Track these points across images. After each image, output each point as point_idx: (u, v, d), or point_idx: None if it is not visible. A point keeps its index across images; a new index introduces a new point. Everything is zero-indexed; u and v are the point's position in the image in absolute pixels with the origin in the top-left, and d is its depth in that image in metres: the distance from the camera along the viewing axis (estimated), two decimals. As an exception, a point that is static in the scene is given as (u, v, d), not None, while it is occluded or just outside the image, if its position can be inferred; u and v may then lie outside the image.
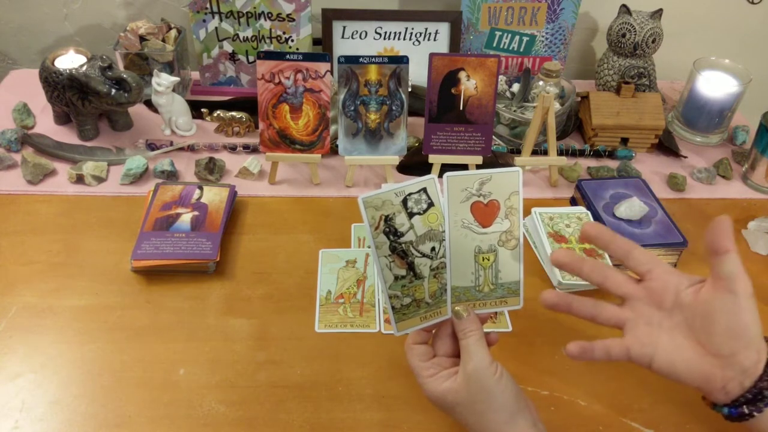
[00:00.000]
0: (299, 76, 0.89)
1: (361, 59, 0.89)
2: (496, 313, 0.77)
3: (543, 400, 0.68)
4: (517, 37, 1.16)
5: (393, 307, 0.60)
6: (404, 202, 0.58)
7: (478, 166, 0.94)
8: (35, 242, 0.83)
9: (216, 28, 1.10)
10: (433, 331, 0.62)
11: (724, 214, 0.57)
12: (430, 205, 0.59)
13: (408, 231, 0.58)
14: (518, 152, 1.00)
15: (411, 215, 0.58)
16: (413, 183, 0.58)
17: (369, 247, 0.57)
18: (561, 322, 0.77)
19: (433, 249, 0.59)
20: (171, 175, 0.95)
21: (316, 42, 1.14)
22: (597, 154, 1.05)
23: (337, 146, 0.95)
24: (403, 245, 0.58)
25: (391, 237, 0.58)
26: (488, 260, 0.61)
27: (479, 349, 0.56)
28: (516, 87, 1.12)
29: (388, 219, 0.58)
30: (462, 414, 0.56)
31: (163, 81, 0.99)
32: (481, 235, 0.60)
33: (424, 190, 0.58)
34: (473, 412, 0.55)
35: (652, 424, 0.66)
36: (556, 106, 1.02)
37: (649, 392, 0.69)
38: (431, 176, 0.59)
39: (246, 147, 1.01)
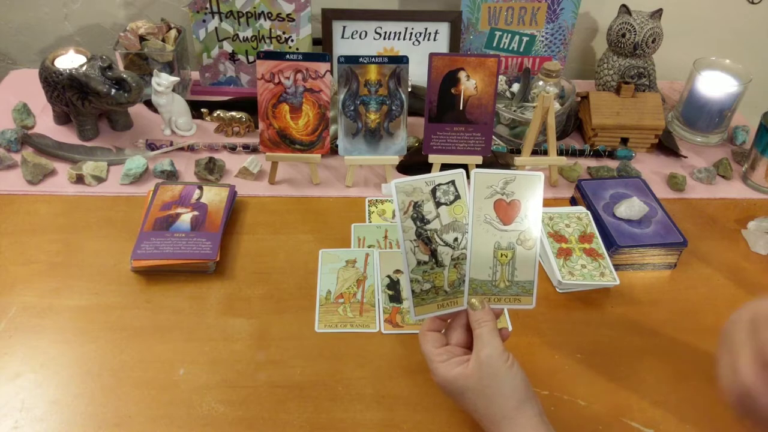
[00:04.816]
0: (299, 76, 0.89)
1: (361, 59, 0.89)
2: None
3: (543, 400, 0.68)
4: (517, 37, 1.16)
5: (413, 291, 0.62)
6: (433, 191, 0.62)
7: (478, 167, 0.94)
8: (35, 242, 0.83)
9: (216, 28, 1.10)
10: (448, 321, 0.64)
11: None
12: (457, 197, 0.62)
13: (434, 219, 0.62)
14: (518, 152, 1.00)
15: (438, 205, 0.62)
16: (443, 174, 0.62)
17: (396, 226, 0.63)
18: (561, 321, 0.77)
19: (455, 239, 0.63)
20: (171, 175, 0.95)
21: (316, 42, 1.13)
22: (597, 154, 1.05)
23: (337, 146, 0.95)
24: (428, 232, 0.62)
25: (418, 223, 0.62)
26: (506, 257, 0.63)
27: (493, 338, 0.58)
28: (516, 87, 1.12)
29: (416, 205, 0.62)
30: (471, 399, 0.57)
31: (163, 81, 0.99)
32: (501, 232, 0.63)
33: (453, 182, 0.62)
34: (483, 397, 0.57)
35: (652, 424, 0.66)
36: (556, 106, 1.02)
37: (649, 392, 0.69)
38: (460, 170, 0.63)
39: (246, 147, 1.01)
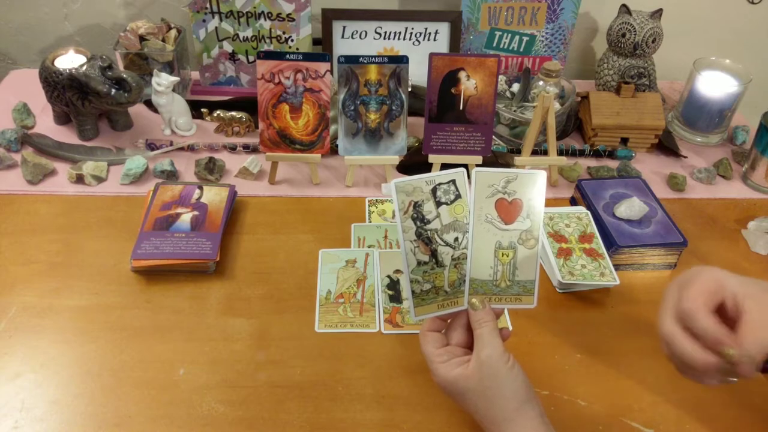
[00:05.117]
0: (299, 76, 0.89)
1: (361, 59, 0.89)
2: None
3: (543, 400, 0.68)
4: (517, 37, 1.16)
5: (413, 292, 0.62)
6: (434, 191, 0.61)
7: (478, 166, 0.94)
8: (35, 242, 0.83)
9: (216, 28, 1.10)
10: (448, 321, 0.64)
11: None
12: (458, 196, 0.62)
13: (434, 219, 0.61)
14: (518, 152, 1.00)
15: (438, 204, 0.61)
16: (444, 174, 0.61)
17: (396, 227, 0.62)
18: (561, 321, 0.77)
19: (456, 239, 0.62)
20: (171, 175, 0.95)
21: (316, 42, 1.13)
22: (597, 154, 1.05)
23: (337, 146, 0.95)
24: (429, 232, 0.61)
25: (418, 223, 0.61)
26: (507, 256, 0.63)
27: (494, 339, 0.58)
28: (516, 87, 1.12)
29: (416, 205, 0.61)
30: (471, 400, 0.57)
31: (163, 81, 0.99)
32: (502, 231, 0.62)
33: (453, 181, 0.61)
34: (483, 398, 0.57)
35: (652, 424, 0.66)
36: (556, 106, 1.02)
37: (649, 392, 0.69)
38: (461, 169, 0.62)
39: (246, 147, 1.01)
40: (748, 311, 0.50)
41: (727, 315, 0.51)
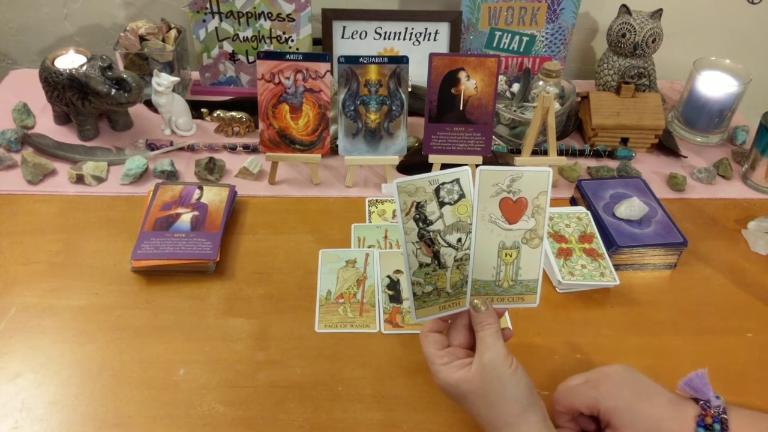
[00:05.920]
0: (299, 76, 0.89)
1: (361, 59, 0.89)
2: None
3: (543, 400, 0.67)
4: (517, 37, 1.16)
5: (414, 294, 0.61)
6: (437, 191, 0.59)
7: (478, 167, 0.94)
8: (35, 242, 0.83)
9: (216, 28, 1.10)
10: (449, 321, 0.63)
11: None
12: (462, 196, 0.60)
13: (437, 220, 0.60)
14: (518, 152, 1.00)
15: (442, 204, 0.60)
16: (448, 172, 0.60)
17: (398, 228, 0.61)
18: (560, 321, 0.77)
19: (459, 240, 0.61)
20: (171, 175, 0.95)
21: (316, 42, 1.14)
22: (597, 154, 1.05)
23: (337, 146, 0.95)
24: (431, 233, 0.60)
25: (421, 224, 0.60)
26: (510, 256, 0.62)
27: (496, 341, 0.57)
28: (516, 87, 1.12)
29: (419, 206, 0.59)
30: (473, 403, 0.57)
31: (163, 81, 0.99)
32: (506, 231, 0.61)
33: (458, 180, 0.60)
34: (485, 402, 0.56)
35: (652, 424, 0.66)
36: (556, 106, 1.02)
37: (649, 392, 0.69)
38: (465, 168, 0.60)
39: (246, 147, 1.01)
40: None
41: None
